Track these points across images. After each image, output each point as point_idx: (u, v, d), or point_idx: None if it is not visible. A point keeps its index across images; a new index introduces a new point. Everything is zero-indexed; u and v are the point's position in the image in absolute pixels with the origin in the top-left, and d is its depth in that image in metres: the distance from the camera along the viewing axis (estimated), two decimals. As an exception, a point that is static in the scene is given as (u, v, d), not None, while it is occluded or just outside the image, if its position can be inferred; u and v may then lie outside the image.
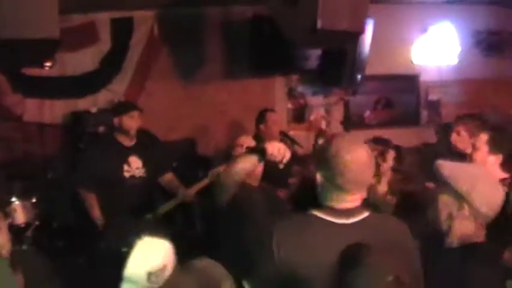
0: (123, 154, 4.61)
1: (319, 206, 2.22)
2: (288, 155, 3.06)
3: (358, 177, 2.15)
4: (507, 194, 2.79)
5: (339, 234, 2.12)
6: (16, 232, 4.59)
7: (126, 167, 4.58)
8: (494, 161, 3.22)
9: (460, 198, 2.33)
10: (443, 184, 2.40)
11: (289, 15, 3.68)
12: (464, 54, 6.66)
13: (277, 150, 3.01)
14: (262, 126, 5.25)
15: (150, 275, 1.96)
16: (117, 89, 6.18)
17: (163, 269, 1.99)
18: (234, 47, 6.34)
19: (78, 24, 5.94)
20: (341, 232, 2.13)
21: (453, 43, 6.56)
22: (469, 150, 3.67)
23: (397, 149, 4.56)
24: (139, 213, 4.48)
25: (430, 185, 2.70)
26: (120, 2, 5.71)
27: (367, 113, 6.90)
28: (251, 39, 6.22)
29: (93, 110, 5.96)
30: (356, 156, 2.14)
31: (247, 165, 3.09)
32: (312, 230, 2.16)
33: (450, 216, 2.37)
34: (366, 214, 2.19)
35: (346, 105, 6.44)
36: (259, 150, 3.06)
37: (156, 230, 2.11)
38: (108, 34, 6.15)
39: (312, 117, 6.28)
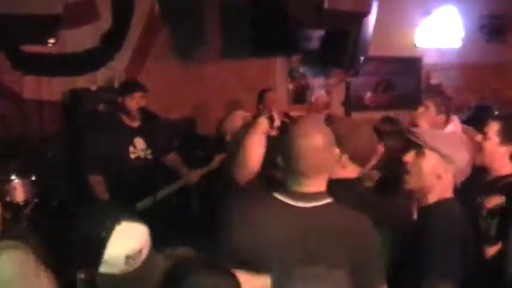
0: (129, 135, 4.60)
1: (281, 189, 2.21)
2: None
3: (312, 162, 2.13)
4: None
5: (294, 217, 2.13)
6: (15, 210, 4.58)
7: (132, 149, 4.58)
8: (504, 151, 3.11)
9: (446, 160, 2.46)
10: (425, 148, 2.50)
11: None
12: (467, 38, 6.63)
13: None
14: (260, 106, 5.23)
15: (128, 258, 2.00)
16: (117, 67, 6.13)
17: (140, 251, 2.04)
18: (234, 26, 6.28)
19: (78, 1, 5.85)
20: (297, 215, 2.13)
21: (456, 27, 6.53)
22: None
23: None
24: (143, 194, 4.48)
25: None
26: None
27: (368, 95, 6.88)
28: (252, 18, 6.16)
29: (93, 87, 5.91)
30: (310, 141, 2.12)
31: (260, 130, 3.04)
32: (269, 210, 2.17)
33: (438, 177, 2.48)
34: (327, 201, 2.18)
35: (347, 87, 6.42)
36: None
37: (133, 214, 2.13)
38: (109, 11, 6.08)
39: (313, 98, 6.26)
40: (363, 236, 2.19)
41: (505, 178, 3.08)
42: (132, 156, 4.58)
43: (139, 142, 4.61)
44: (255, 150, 2.92)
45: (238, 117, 3.70)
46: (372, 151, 2.76)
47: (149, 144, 4.64)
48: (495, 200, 2.93)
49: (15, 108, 5.97)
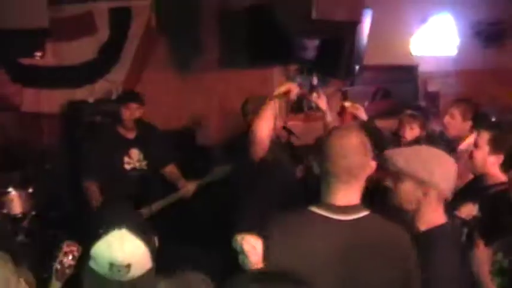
0: (124, 146, 4.65)
1: (318, 203, 2.19)
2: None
3: (343, 162, 2.13)
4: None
5: (336, 230, 2.11)
6: (12, 222, 4.60)
7: (126, 159, 4.62)
8: (494, 160, 3.14)
9: (422, 184, 2.38)
10: (400, 173, 2.44)
11: (285, 5, 3.68)
12: (464, 45, 6.63)
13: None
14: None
15: (111, 266, 1.98)
16: (115, 79, 6.17)
17: (127, 267, 1.99)
18: (232, 36, 6.31)
19: (76, 14, 5.93)
20: (339, 228, 2.11)
21: (452, 34, 6.53)
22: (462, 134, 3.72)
23: None
24: (138, 206, 4.47)
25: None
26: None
27: (366, 104, 6.88)
28: (249, 28, 6.20)
29: (91, 99, 5.96)
30: (343, 140, 2.16)
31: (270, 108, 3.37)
32: (309, 227, 2.14)
33: (418, 202, 2.41)
34: (365, 213, 2.16)
35: (344, 96, 6.43)
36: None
37: (142, 226, 2.13)
38: (106, 24, 6.15)
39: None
40: (404, 248, 2.18)
41: (496, 186, 3.10)
42: (127, 167, 4.61)
43: (135, 153, 4.65)
44: (263, 126, 3.30)
45: (262, 101, 3.82)
46: None
47: (145, 155, 4.67)
48: (467, 209, 2.94)
49: (15, 120, 6.03)
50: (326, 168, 2.17)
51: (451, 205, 2.95)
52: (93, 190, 4.55)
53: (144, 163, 4.67)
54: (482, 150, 3.16)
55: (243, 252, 2.05)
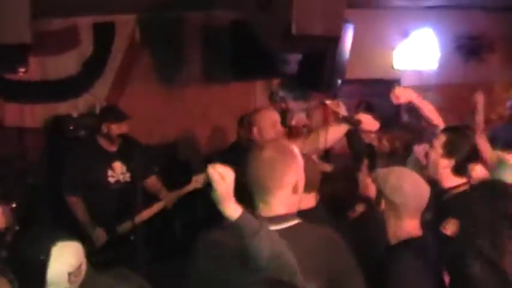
0: (107, 159, 4.67)
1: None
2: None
3: (259, 176, 2.17)
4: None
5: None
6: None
7: (110, 172, 4.64)
8: (446, 164, 3.15)
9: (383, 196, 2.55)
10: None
11: (263, 21, 3.71)
12: (445, 59, 6.71)
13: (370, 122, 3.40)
14: (241, 131, 5.26)
15: (70, 275, 2.17)
16: (98, 93, 6.17)
17: (80, 267, 2.22)
18: (215, 51, 6.35)
19: (59, 28, 5.93)
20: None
21: (433, 48, 6.61)
22: None
23: None
24: (124, 218, 4.49)
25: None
26: (102, 6, 5.70)
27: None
28: (232, 43, 6.24)
29: (75, 114, 5.95)
30: (258, 157, 2.19)
31: (338, 134, 3.41)
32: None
33: (395, 217, 2.53)
34: (296, 221, 2.19)
35: (326, 110, 6.47)
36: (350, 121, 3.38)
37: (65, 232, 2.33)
38: (90, 38, 6.15)
39: (293, 122, 6.30)
40: (337, 253, 2.19)
41: (448, 191, 3.14)
42: (111, 180, 4.64)
43: (118, 166, 4.67)
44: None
45: (268, 116, 4.01)
46: None
47: (128, 167, 4.69)
48: (451, 226, 2.96)
49: (-4, 135, 5.99)
50: (252, 180, 2.20)
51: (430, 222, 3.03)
52: (78, 205, 4.55)
53: (127, 175, 4.70)
54: (436, 151, 3.18)
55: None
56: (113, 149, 4.71)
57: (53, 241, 2.19)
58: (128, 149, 4.74)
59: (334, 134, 3.54)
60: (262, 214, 2.16)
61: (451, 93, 6.80)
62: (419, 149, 3.93)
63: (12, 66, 3.44)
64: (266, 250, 1.87)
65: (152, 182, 4.86)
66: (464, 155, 3.14)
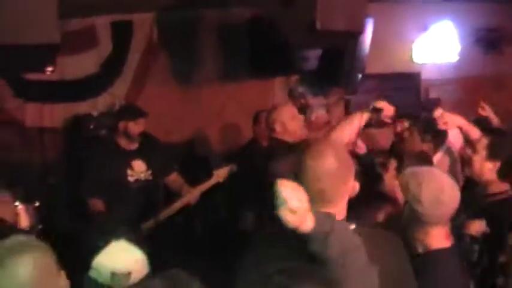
0: (126, 158, 4.63)
1: None
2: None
3: (314, 187, 1.97)
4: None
5: None
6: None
7: (129, 172, 4.60)
8: (491, 167, 3.10)
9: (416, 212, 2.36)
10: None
11: (287, 17, 3.69)
12: (464, 52, 6.66)
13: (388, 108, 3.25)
14: (256, 128, 5.24)
15: (113, 275, 2.11)
16: (117, 93, 6.17)
17: (127, 275, 2.13)
18: (232, 48, 6.33)
19: (78, 28, 5.93)
20: None
21: (453, 41, 6.56)
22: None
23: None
24: (146, 217, 4.48)
25: None
26: (120, 6, 5.70)
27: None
28: (249, 40, 6.23)
29: (94, 113, 5.97)
30: (317, 163, 2.01)
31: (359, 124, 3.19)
32: (280, 246, 1.98)
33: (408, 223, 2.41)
34: (352, 227, 2.05)
35: (347, 105, 6.45)
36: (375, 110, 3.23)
37: (138, 237, 2.31)
38: (109, 37, 6.16)
39: (312, 118, 6.28)
40: (401, 250, 2.12)
41: (491, 196, 3.10)
42: (131, 179, 4.60)
43: (139, 164, 4.64)
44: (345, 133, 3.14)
45: (287, 109, 3.97)
46: None
47: (149, 165, 4.67)
48: (476, 226, 2.92)
49: (17, 135, 6.02)
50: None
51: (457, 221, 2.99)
52: (99, 207, 4.52)
53: (148, 173, 4.66)
54: (479, 155, 3.12)
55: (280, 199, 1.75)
56: (133, 147, 4.68)
57: (119, 235, 2.19)
58: (148, 147, 4.73)
59: (355, 124, 3.45)
60: None
61: (471, 86, 6.76)
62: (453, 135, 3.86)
63: (40, 65, 3.44)
64: (336, 249, 1.75)
65: (174, 178, 4.85)
66: (508, 156, 3.10)
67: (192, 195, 4.62)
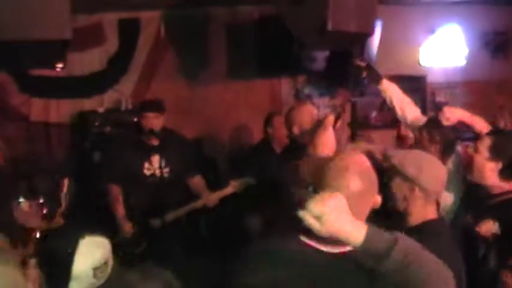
0: (145, 152, 4.65)
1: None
2: None
3: None
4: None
5: (325, 263, 1.89)
6: (23, 233, 4.59)
7: (147, 165, 4.63)
8: (493, 167, 3.06)
9: (409, 181, 2.50)
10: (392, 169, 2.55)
11: (298, 16, 3.67)
12: (472, 56, 6.65)
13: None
14: (269, 130, 5.22)
15: (95, 270, 2.18)
16: (124, 89, 6.19)
17: (106, 263, 2.22)
18: (240, 47, 6.33)
19: (85, 25, 5.93)
20: (327, 261, 1.89)
21: (460, 44, 6.55)
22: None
23: None
24: (159, 213, 4.54)
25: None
26: (127, 3, 5.70)
27: (374, 114, 6.89)
28: (257, 39, 6.22)
29: (100, 109, 5.98)
30: (342, 183, 1.89)
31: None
32: (294, 257, 1.91)
33: (405, 198, 2.53)
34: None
35: (353, 107, 6.44)
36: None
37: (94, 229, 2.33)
38: (115, 34, 6.17)
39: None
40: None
41: (496, 197, 3.07)
42: (147, 172, 4.63)
43: (156, 159, 4.65)
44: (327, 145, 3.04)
45: (306, 111, 3.92)
46: None
47: (167, 162, 4.67)
48: (487, 226, 2.92)
49: (23, 130, 6.03)
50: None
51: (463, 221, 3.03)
52: (115, 192, 4.58)
53: (165, 170, 4.66)
54: (481, 155, 3.09)
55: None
56: (154, 143, 4.67)
57: (81, 235, 2.21)
58: (171, 145, 4.73)
59: None
60: None
61: (478, 90, 6.75)
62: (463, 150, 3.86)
63: (51, 62, 3.43)
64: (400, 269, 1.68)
65: (196, 181, 4.84)
66: (511, 157, 3.06)
67: (205, 201, 4.66)
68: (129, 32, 6.21)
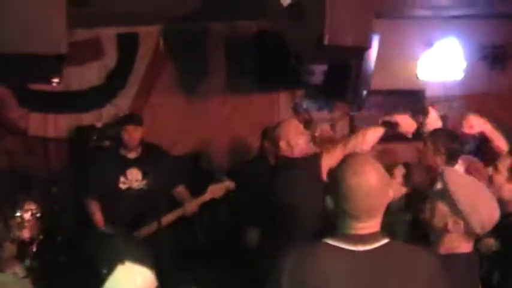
0: (122, 166, 4.70)
1: (333, 234, 2.05)
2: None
3: (363, 204, 1.98)
4: None
5: (355, 263, 1.96)
6: (20, 246, 4.57)
7: (122, 179, 4.67)
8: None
9: (458, 213, 2.28)
10: (443, 192, 2.34)
11: (295, 31, 3.69)
12: (470, 69, 6.64)
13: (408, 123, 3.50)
14: (266, 143, 5.21)
15: None
16: (122, 104, 6.20)
17: None
18: (238, 61, 6.34)
19: (83, 39, 5.95)
20: (358, 260, 1.97)
21: (458, 58, 6.55)
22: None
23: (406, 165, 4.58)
24: (137, 226, 4.53)
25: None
26: (126, 18, 5.72)
27: (372, 128, 6.88)
28: (256, 54, 6.24)
29: (98, 124, 5.98)
30: (362, 180, 1.98)
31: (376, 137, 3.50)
32: (324, 259, 1.99)
33: (444, 228, 2.33)
34: (384, 241, 2.01)
35: (351, 120, 6.44)
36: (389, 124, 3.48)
37: (140, 251, 2.18)
38: (114, 49, 6.19)
39: (316, 133, 6.25)
40: (430, 273, 2.02)
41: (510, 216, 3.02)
42: (123, 186, 4.67)
43: (134, 173, 4.69)
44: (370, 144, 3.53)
45: (291, 125, 3.90)
46: None
47: (145, 175, 4.70)
48: (486, 243, 2.89)
49: (21, 144, 6.03)
50: (343, 207, 2.01)
51: None
52: (93, 207, 4.64)
53: (143, 183, 4.70)
54: (501, 175, 3.04)
55: None
56: (132, 155, 4.73)
57: (123, 258, 2.05)
58: (150, 158, 4.77)
59: (373, 136, 3.57)
60: (354, 232, 2.01)
61: (477, 103, 6.73)
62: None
63: (47, 76, 3.42)
64: None
65: (180, 191, 4.86)
66: None
67: (185, 209, 4.65)
68: (127, 46, 6.22)
